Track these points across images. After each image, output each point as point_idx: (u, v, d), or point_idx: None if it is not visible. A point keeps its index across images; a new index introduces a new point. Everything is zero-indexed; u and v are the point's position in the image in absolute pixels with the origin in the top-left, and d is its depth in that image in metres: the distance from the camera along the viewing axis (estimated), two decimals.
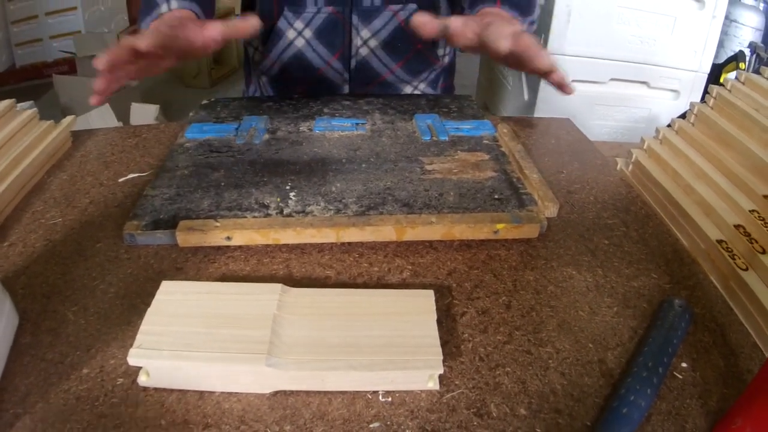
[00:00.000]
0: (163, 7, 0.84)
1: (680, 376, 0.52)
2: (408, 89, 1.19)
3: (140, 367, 0.49)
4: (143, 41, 0.69)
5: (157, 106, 2.54)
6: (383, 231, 0.67)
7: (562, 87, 0.83)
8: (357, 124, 0.94)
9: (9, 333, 0.54)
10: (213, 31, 0.75)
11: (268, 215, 0.69)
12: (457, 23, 0.79)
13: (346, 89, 1.15)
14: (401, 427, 0.46)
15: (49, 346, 0.54)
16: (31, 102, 0.85)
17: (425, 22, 0.79)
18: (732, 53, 2.32)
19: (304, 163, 0.82)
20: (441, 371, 0.48)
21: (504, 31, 0.74)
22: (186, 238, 0.66)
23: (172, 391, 0.49)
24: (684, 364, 0.53)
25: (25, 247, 0.67)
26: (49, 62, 3.87)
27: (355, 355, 0.48)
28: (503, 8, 0.89)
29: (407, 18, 1.07)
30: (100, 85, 0.70)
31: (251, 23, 0.76)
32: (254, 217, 0.69)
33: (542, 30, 1.73)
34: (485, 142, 0.89)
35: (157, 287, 0.55)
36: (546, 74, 0.81)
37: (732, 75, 0.81)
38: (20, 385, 0.49)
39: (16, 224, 0.72)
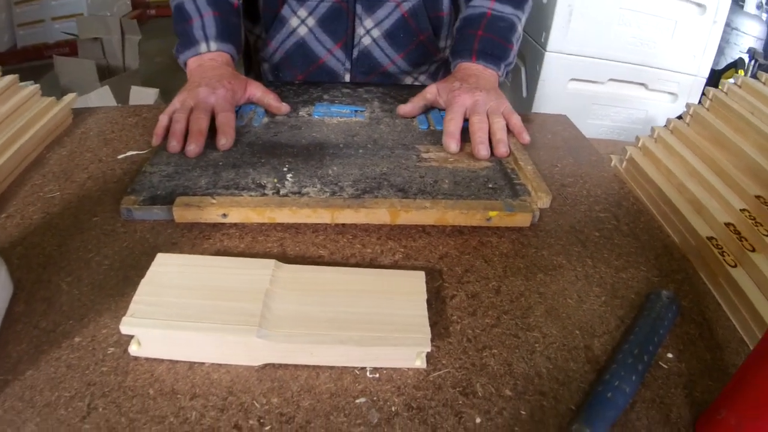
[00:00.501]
0: (202, 47, 0.95)
1: (666, 366, 0.53)
2: (408, 80, 1.19)
3: (132, 337, 0.50)
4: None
5: (157, 90, 2.53)
6: (377, 213, 0.68)
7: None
8: (356, 111, 0.95)
9: (3, 301, 0.54)
10: (253, 96, 0.94)
11: (264, 195, 0.70)
12: (431, 96, 0.96)
13: (347, 79, 1.15)
14: (387, 403, 0.47)
15: (43, 314, 0.54)
16: (31, 82, 0.85)
17: (408, 111, 0.95)
18: (732, 60, 2.32)
19: (302, 146, 0.82)
20: (429, 349, 0.49)
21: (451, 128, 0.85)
22: (182, 213, 0.67)
23: (162, 361, 0.50)
24: (670, 355, 0.54)
25: (23, 219, 0.68)
26: (50, 43, 3.86)
27: (344, 330, 0.49)
28: (479, 62, 0.98)
29: (410, 9, 1.07)
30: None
31: (283, 110, 0.94)
32: (251, 195, 0.69)
33: (543, 28, 1.73)
34: None
35: (151, 261, 0.56)
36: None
37: (730, 81, 0.82)
38: (12, 352, 0.50)
39: (15, 197, 0.72)
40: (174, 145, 0.79)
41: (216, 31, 0.95)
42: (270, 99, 0.93)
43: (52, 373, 0.48)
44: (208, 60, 0.95)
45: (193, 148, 0.78)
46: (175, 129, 0.80)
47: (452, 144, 0.83)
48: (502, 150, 0.83)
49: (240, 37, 1.03)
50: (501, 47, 1.00)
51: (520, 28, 1.04)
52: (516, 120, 0.89)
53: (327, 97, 1.01)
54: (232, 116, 0.85)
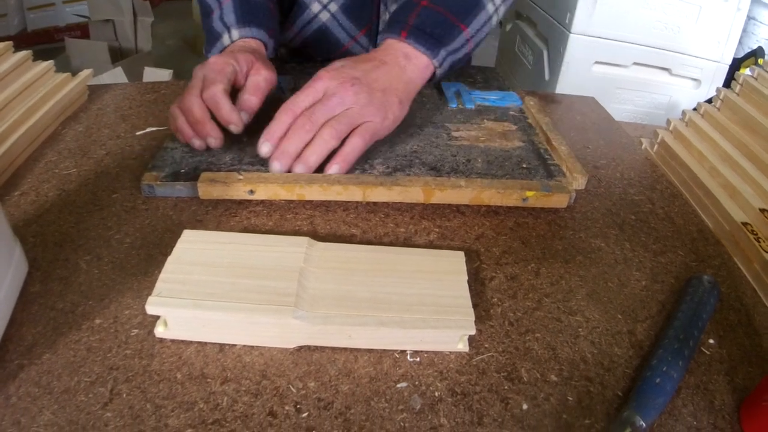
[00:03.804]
0: (225, 39, 0.82)
1: (708, 352, 0.51)
2: None
3: (158, 317, 0.48)
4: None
5: (170, 71, 2.51)
6: (411, 192, 0.66)
7: None
8: None
9: (18, 280, 0.51)
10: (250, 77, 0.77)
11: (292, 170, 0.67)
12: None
13: None
14: (430, 388, 0.45)
15: (60, 295, 0.52)
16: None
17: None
18: (749, 50, 2.30)
19: None
20: (473, 332, 0.47)
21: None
22: (208, 190, 0.64)
23: (190, 343, 0.47)
24: (711, 341, 0.53)
25: (38, 196, 0.66)
26: (61, 27, 3.84)
27: (384, 312, 0.47)
28: (408, 41, 0.76)
29: None
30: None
31: (234, 120, 0.71)
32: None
33: (567, 9, 1.71)
34: (512, 113, 0.87)
35: (176, 239, 0.53)
36: None
37: (750, 68, 0.82)
38: (27, 335, 0.47)
39: (29, 174, 0.70)
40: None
41: (235, 18, 0.82)
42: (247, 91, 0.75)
43: (71, 356, 0.46)
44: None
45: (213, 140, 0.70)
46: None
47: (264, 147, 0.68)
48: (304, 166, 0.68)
49: (269, 15, 0.89)
50: (447, 26, 0.77)
51: (488, 14, 0.82)
52: (350, 146, 0.68)
53: None
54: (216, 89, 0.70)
